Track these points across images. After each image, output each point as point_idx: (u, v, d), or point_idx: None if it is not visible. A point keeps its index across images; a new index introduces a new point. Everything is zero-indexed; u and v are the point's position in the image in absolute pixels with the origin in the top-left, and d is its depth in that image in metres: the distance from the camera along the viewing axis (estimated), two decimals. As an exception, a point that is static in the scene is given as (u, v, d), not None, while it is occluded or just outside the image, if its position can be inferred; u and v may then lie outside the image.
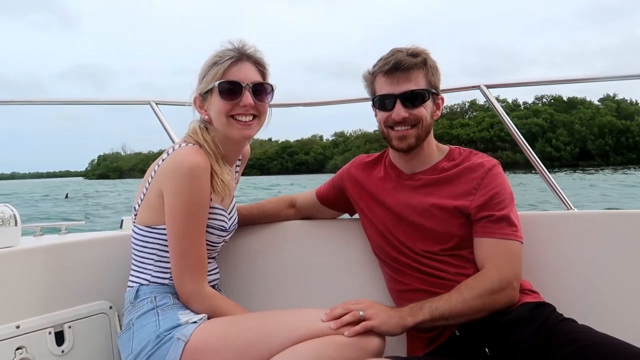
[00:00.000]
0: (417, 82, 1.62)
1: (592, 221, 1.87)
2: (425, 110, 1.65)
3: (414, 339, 1.67)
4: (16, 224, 1.73)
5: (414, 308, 1.52)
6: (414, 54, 1.63)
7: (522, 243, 1.60)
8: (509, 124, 2.10)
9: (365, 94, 2.33)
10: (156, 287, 1.55)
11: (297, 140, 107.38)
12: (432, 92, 1.65)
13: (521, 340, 1.48)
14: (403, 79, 1.62)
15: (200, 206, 1.50)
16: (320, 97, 2.69)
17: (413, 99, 1.62)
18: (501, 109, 2.13)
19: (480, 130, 79.63)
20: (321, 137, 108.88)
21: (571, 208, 2.00)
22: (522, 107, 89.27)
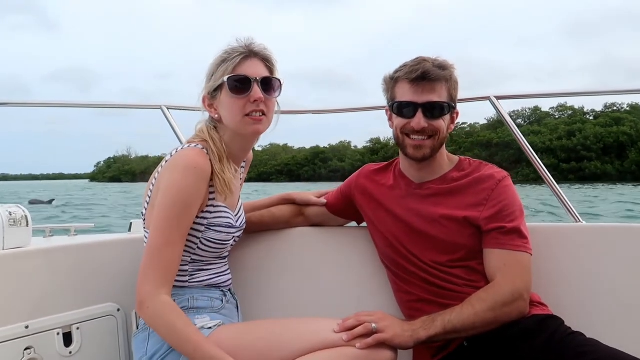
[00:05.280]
0: (440, 94, 1.63)
1: (601, 234, 1.87)
2: (444, 123, 1.66)
3: (420, 349, 1.67)
4: (27, 225, 1.74)
5: (426, 321, 1.52)
6: (442, 66, 1.63)
7: (531, 255, 1.61)
8: (517, 135, 2.10)
9: (370, 103, 2.34)
10: (173, 290, 1.52)
11: (329, 146, 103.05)
12: (452, 106, 1.67)
13: (529, 352, 1.48)
14: (428, 89, 1.62)
15: (184, 205, 1.46)
16: (328, 106, 2.71)
17: (434, 110, 1.63)
18: (510, 120, 2.14)
19: (559, 138, 73.59)
20: (349, 143, 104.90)
21: (579, 221, 2.00)
22: (590, 115, 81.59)
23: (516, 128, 2.15)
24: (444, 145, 1.73)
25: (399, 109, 1.67)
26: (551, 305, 1.66)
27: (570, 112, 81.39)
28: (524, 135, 2.10)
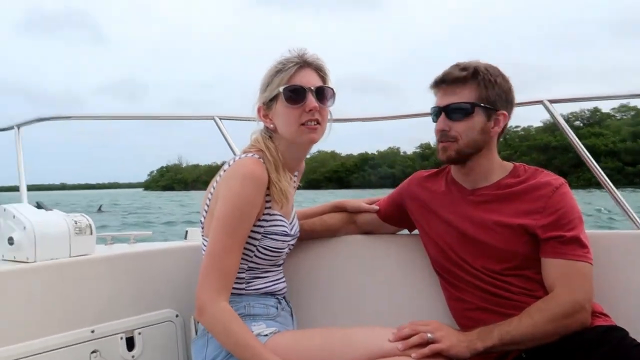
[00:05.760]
0: (463, 96, 1.62)
1: None
2: (470, 125, 1.63)
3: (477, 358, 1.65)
4: (91, 233, 1.82)
5: (483, 332, 1.50)
6: (465, 67, 1.63)
7: (592, 265, 1.56)
8: (573, 139, 2.04)
9: (418, 110, 2.33)
10: (230, 297, 1.55)
11: (378, 152, 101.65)
12: (483, 107, 1.63)
13: None
14: (449, 92, 1.64)
15: (242, 213, 1.50)
16: (373, 113, 2.71)
17: (454, 112, 1.64)
18: (565, 123, 2.08)
19: (622, 141, 68.78)
20: (398, 149, 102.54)
21: None
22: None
23: (571, 131, 2.09)
24: (492, 151, 1.70)
25: (433, 115, 1.71)
26: (614, 316, 1.60)
27: (633, 113, 76.93)
28: (584, 138, 2.04)
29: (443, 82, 1.65)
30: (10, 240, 1.67)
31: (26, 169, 2.48)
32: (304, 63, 1.61)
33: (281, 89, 1.57)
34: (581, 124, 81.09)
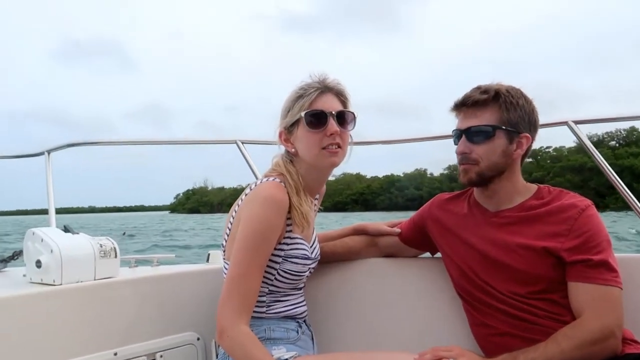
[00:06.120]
0: (484, 119, 1.62)
1: None
2: (491, 147, 1.62)
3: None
4: (116, 256, 1.85)
5: (507, 358, 1.46)
6: (486, 90, 1.63)
7: (622, 289, 1.51)
8: (601, 163, 2.00)
9: (436, 132, 2.32)
10: (251, 321, 1.55)
11: (404, 174, 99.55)
12: (504, 129, 1.61)
13: None
14: (469, 114, 1.64)
15: (264, 237, 1.51)
16: (397, 135, 2.72)
17: (474, 135, 1.63)
18: (592, 146, 2.04)
19: None
20: (425, 170, 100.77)
21: None
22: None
23: (597, 152, 2.05)
24: (515, 173, 1.68)
25: (454, 137, 1.71)
26: (646, 343, 1.54)
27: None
28: (621, 158, 2.00)
29: (464, 105, 1.65)
30: (38, 263, 1.71)
31: (55, 193, 2.55)
32: (324, 88, 1.63)
33: (302, 114, 1.59)
34: (617, 144, 79.16)
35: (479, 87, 1.66)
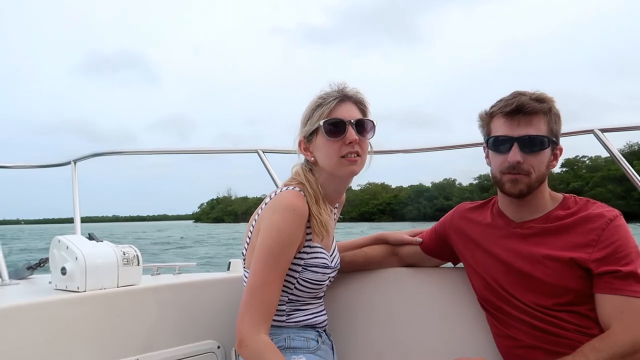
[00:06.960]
0: (538, 128, 1.56)
1: None
2: (543, 159, 1.58)
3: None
4: (139, 264, 1.87)
5: None
6: (540, 99, 1.58)
7: None
8: (629, 171, 1.96)
9: (458, 141, 2.29)
10: (271, 330, 1.55)
11: (432, 184, 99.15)
12: (552, 141, 1.58)
13: None
14: (524, 122, 1.56)
15: (283, 246, 1.51)
16: (417, 145, 2.70)
17: (531, 144, 1.56)
18: (619, 154, 2.00)
19: None
20: (454, 180, 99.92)
21: None
22: None
23: (625, 161, 2.01)
24: (545, 183, 1.64)
25: (494, 144, 1.62)
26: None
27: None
28: None
29: (519, 112, 1.56)
30: (63, 270, 1.74)
31: (81, 202, 2.60)
32: (344, 97, 1.63)
33: (321, 122, 1.59)
34: (649, 154, 77.08)
35: (524, 94, 1.59)
